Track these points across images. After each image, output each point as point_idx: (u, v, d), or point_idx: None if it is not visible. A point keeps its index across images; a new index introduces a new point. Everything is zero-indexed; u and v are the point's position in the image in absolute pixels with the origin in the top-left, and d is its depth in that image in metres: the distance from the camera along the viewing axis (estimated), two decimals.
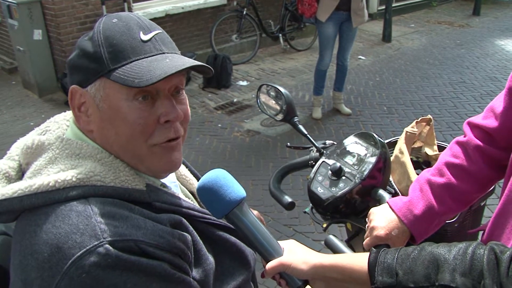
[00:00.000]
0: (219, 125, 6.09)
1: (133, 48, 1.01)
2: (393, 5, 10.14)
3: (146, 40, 1.03)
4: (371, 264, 1.09)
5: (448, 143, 1.69)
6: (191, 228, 1.09)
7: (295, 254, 1.15)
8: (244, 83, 7.59)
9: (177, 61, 1.02)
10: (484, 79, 7.55)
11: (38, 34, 6.78)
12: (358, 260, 1.11)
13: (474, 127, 1.49)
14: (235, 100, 6.91)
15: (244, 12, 8.29)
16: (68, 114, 1.20)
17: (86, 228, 0.91)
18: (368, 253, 1.12)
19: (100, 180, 0.99)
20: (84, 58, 1.03)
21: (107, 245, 0.89)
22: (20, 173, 1.09)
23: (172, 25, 7.91)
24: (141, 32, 1.04)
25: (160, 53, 1.04)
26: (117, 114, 1.02)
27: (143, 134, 1.03)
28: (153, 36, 1.05)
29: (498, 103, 1.41)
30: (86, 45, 1.03)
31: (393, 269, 1.05)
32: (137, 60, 1.01)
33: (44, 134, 1.13)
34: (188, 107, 1.13)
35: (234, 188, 1.11)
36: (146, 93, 1.02)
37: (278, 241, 1.19)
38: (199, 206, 1.23)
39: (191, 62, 1.03)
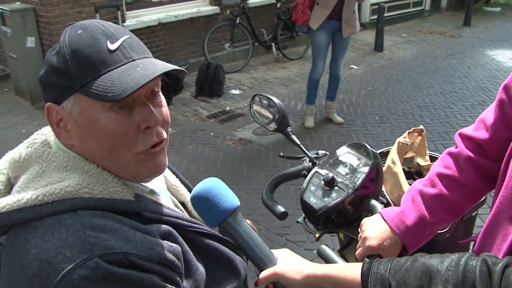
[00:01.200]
0: (212, 134, 6.09)
1: (102, 60, 0.98)
2: (385, 15, 10.20)
3: (114, 50, 1.00)
4: (364, 275, 1.09)
5: (440, 153, 1.70)
6: (180, 238, 1.08)
7: (289, 264, 1.16)
8: (237, 91, 7.60)
9: (148, 68, 1.00)
10: (475, 89, 7.61)
11: (31, 42, 6.76)
12: (351, 271, 1.12)
13: (465, 138, 1.50)
14: (227, 108, 6.92)
15: (237, 21, 8.31)
16: None
17: (75, 242, 0.90)
18: (361, 264, 1.12)
19: (89, 192, 0.98)
20: (54, 74, 1.00)
21: (96, 259, 0.89)
22: (9, 187, 1.08)
23: (165, 34, 7.92)
24: (108, 42, 1.00)
25: (130, 61, 1.01)
26: (96, 127, 1.00)
27: (126, 144, 1.02)
28: (121, 44, 1.01)
29: (489, 114, 1.42)
30: (54, 60, 1.00)
31: (386, 280, 1.05)
32: (107, 72, 0.98)
33: (31, 147, 1.11)
34: (166, 108, 1.10)
35: (229, 197, 1.11)
36: (122, 103, 1.00)
37: (272, 250, 1.19)
38: (188, 216, 1.24)
39: (162, 67, 1.01)
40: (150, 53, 1.09)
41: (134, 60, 1.01)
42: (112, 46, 1.00)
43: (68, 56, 0.98)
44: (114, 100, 0.94)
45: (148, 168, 1.07)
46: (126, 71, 0.98)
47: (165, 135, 1.08)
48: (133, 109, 1.02)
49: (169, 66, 1.02)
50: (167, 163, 1.13)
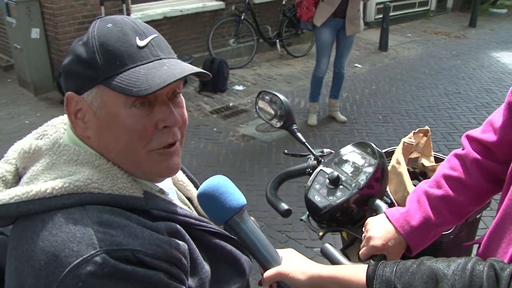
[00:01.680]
0: (215, 129, 6.09)
1: (130, 55, 0.99)
2: (390, 14, 10.17)
3: (142, 46, 1.01)
4: (369, 277, 1.09)
5: (443, 154, 1.69)
6: (187, 236, 1.08)
7: (294, 264, 1.16)
8: (240, 87, 7.59)
9: (175, 68, 1.01)
10: (479, 90, 7.59)
11: (35, 33, 6.76)
12: (357, 273, 1.12)
13: (472, 140, 1.49)
14: (231, 104, 6.91)
15: (242, 17, 8.31)
16: (66, 118, 1.18)
17: (83, 237, 0.90)
18: (366, 266, 1.12)
19: (98, 188, 0.98)
20: (79, 64, 1.01)
21: (104, 255, 0.88)
22: (17, 177, 1.08)
23: (170, 28, 7.91)
24: (137, 38, 1.01)
25: (157, 59, 1.02)
26: (115, 121, 1.00)
27: (141, 140, 1.02)
28: (149, 42, 1.02)
29: (497, 117, 1.42)
30: (81, 51, 1.01)
31: (392, 282, 1.05)
32: (134, 67, 0.98)
33: (41, 138, 1.11)
34: (185, 110, 1.11)
35: (235, 195, 1.11)
36: (144, 100, 1.00)
37: (277, 250, 1.19)
38: (196, 213, 1.23)
39: (189, 69, 1.02)
40: (175, 55, 1.10)
41: (161, 59, 1.03)
42: (140, 43, 1.01)
43: (96, 47, 0.99)
44: (139, 95, 0.95)
45: (161, 168, 1.07)
46: (152, 68, 0.99)
47: (179, 136, 1.09)
48: (154, 107, 1.02)
49: (195, 69, 1.04)
50: (180, 165, 1.13)
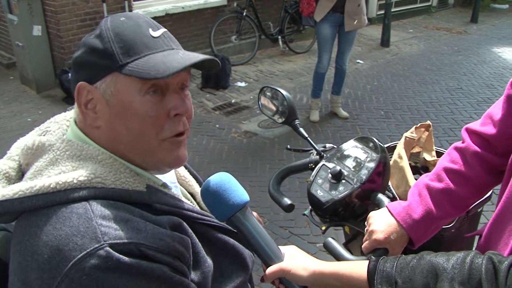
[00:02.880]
0: (217, 126, 6.10)
1: (145, 43, 1.02)
2: (392, 10, 10.17)
3: (156, 36, 1.05)
4: (370, 273, 1.10)
5: (445, 149, 1.70)
6: (190, 230, 1.09)
7: (296, 260, 1.16)
8: (243, 84, 7.59)
9: (189, 55, 1.05)
10: (481, 86, 7.59)
11: (37, 30, 6.76)
12: (358, 268, 1.13)
13: (472, 133, 1.50)
14: (233, 101, 6.92)
15: (244, 14, 8.31)
16: (69, 114, 1.20)
17: (86, 231, 0.91)
18: (367, 261, 1.13)
19: (101, 182, 0.99)
20: (93, 54, 1.03)
21: (107, 248, 0.89)
22: (20, 173, 1.09)
23: (172, 25, 7.91)
24: (150, 29, 1.05)
25: (170, 49, 1.06)
26: (129, 109, 1.02)
27: (154, 128, 1.04)
28: (162, 33, 1.06)
29: (496, 110, 1.43)
30: (95, 42, 1.03)
31: (392, 277, 1.06)
32: (150, 54, 1.02)
33: (44, 135, 1.12)
34: (191, 103, 1.14)
35: (238, 192, 1.11)
36: (156, 87, 1.03)
37: (279, 246, 1.20)
38: (199, 208, 1.24)
39: (203, 56, 1.06)
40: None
41: (173, 49, 1.06)
42: (154, 34, 1.05)
43: (111, 38, 1.02)
44: (157, 77, 0.97)
45: (171, 157, 1.09)
46: (168, 55, 1.03)
47: (188, 126, 1.11)
48: (165, 95, 1.05)
49: (209, 56, 1.07)
50: (187, 157, 1.15)
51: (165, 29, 1.09)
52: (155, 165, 1.10)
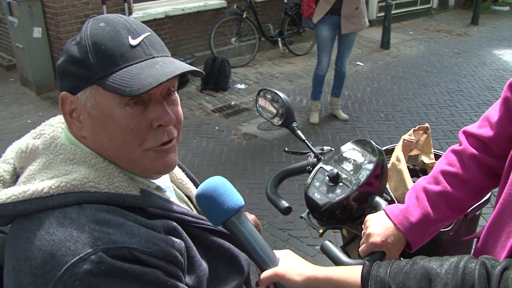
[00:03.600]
0: (216, 128, 6.10)
1: (122, 54, 0.99)
2: (392, 12, 10.17)
3: (135, 45, 1.01)
4: (364, 278, 1.10)
5: (444, 151, 1.70)
6: (184, 234, 1.09)
7: (290, 265, 1.16)
8: (242, 86, 7.60)
9: (168, 66, 1.01)
10: (481, 88, 7.59)
11: (37, 32, 6.78)
12: (352, 274, 1.13)
13: (469, 135, 1.50)
14: (232, 103, 6.92)
15: (244, 16, 8.31)
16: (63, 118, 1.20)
17: (79, 236, 0.90)
18: (361, 266, 1.13)
19: (94, 187, 0.99)
20: (73, 64, 1.01)
21: (100, 253, 0.89)
22: (15, 177, 1.09)
23: (172, 27, 7.92)
24: (129, 37, 1.01)
25: (150, 58, 1.02)
26: (109, 121, 1.01)
27: (136, 139, 1.03)
28: (142, 40, 1.02)
29: (493, 112, 1.42)
30: (74, 51, 1.01)
31: (386, 283, 1.06)
32: (127, 66, 0.99)
33: (38, 138, 1.12)
34: (180, 107, 1.11)
35: (233, 197, 1.11)
36: (138, 99, 1.01)
37: (274, 251, 1.19)
38: (194, 211, 1.24)
39: (182, 67, 1.02)
40: (169, 53, 1.10)
41: (153, 58, 1.03)
42: (133, 42, 1.01)
43: (89, 47, 0.99)
44: (132, 95, 0.95)
45: (157, 165, 1.08)
46: (145, 67, 0.99)
47: (175, 134, 1.09)
48: (148, 106, 1.03)
49: (188, 67, 1.04)
50: (177, 161, 1.14)
51: (148, 33, 1.05)
52: (143, 172, 1.09)
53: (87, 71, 0.99)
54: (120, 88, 0.96)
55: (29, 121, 6.13)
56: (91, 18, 1.06)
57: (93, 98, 1.01)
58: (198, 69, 1.08)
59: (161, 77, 0.97)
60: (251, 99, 6.97)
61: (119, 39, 1.00)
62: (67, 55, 1.03)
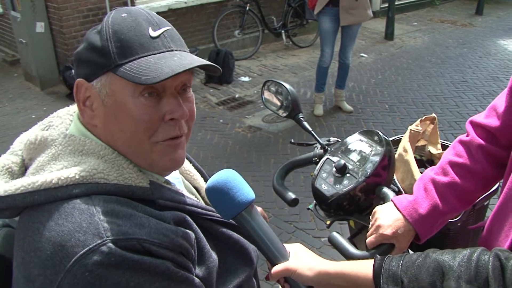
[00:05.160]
0: (221, 121, 6.09)
1: (142, 44, 1.00)
2: (396, 3, 10.11)
3: (155, 37, 1.02)
4: (376, 272, 1.09)
5: (450, 142, 1.69)
6: (194, 225, 1.08)
7: (301, 260, 1.15)
8: (246, 79, 7.58)
9: (185, 59, 1.01)
10: (486, 78, 7.55)
11: (40, 27, 6.77)
12: (363, 268, 1.12)
13: (476, 126, 1.49)
14: (237, 95, 6.91)
15: (247, 8, 8.28)
16: (72, 109, 1.19)
17: (89, 227, 0.90)
18: (372, 261, 1.12)
19: (104, 178, 0.99)
20: (92, 51, 1.02)
21: (110, 244, 0.89)
22: (23, 168, 1.08)
23: (175, 20, 7.89)
24: (150, 28, 1.02)
25: (169, 50, 1.03)
26: (122, 110, 1.01)
27: (147, 131, 1.02)
28: (162, 33, 1.03)
29: (500, 102, 1.41)
30: (94, 39, 1.02)
31: (398, 276, 1.05)
32: (145, 56, 0.99)
33: (47, 129, 1.12)
34: (194, 106, 1.12)
35: (244, 190, 1.09)
36: (152, 90, 1.01)
37: (285, 244, 1.18)
38: (203, 202, 1.23)
39: (199, 61, 1.02)
40: (188, 49, 1.10)
41: (172, 50, 1.03)
42: (153, 33, 1.02)
43: (109, 35, 1.00)
44: (148, 83, 0.96)
45: (165, 160, 1.07)
46: (163, 58, 1.00)
47: (186, 130, 1.09)
48: (162, 98, 1.03)
49: (206, 62, 1.04)
50: (185, 158, 1.13)
51: (169, 27, 1.06)
52: (150, 166, 1.08)
53: (105, 58, 1.00)
54: (136, 76, 0.96)
55: (33, 116, 6.13)
56: (113, 9, 1.07)
57: (108, 86, 1.01)
58: (216, 65, 1.08)
59: (178, 68, 0.97)
60: (255, 91, 6.96)
61: (140, 29, 1.01)
62: (87, 42, 1.04)
